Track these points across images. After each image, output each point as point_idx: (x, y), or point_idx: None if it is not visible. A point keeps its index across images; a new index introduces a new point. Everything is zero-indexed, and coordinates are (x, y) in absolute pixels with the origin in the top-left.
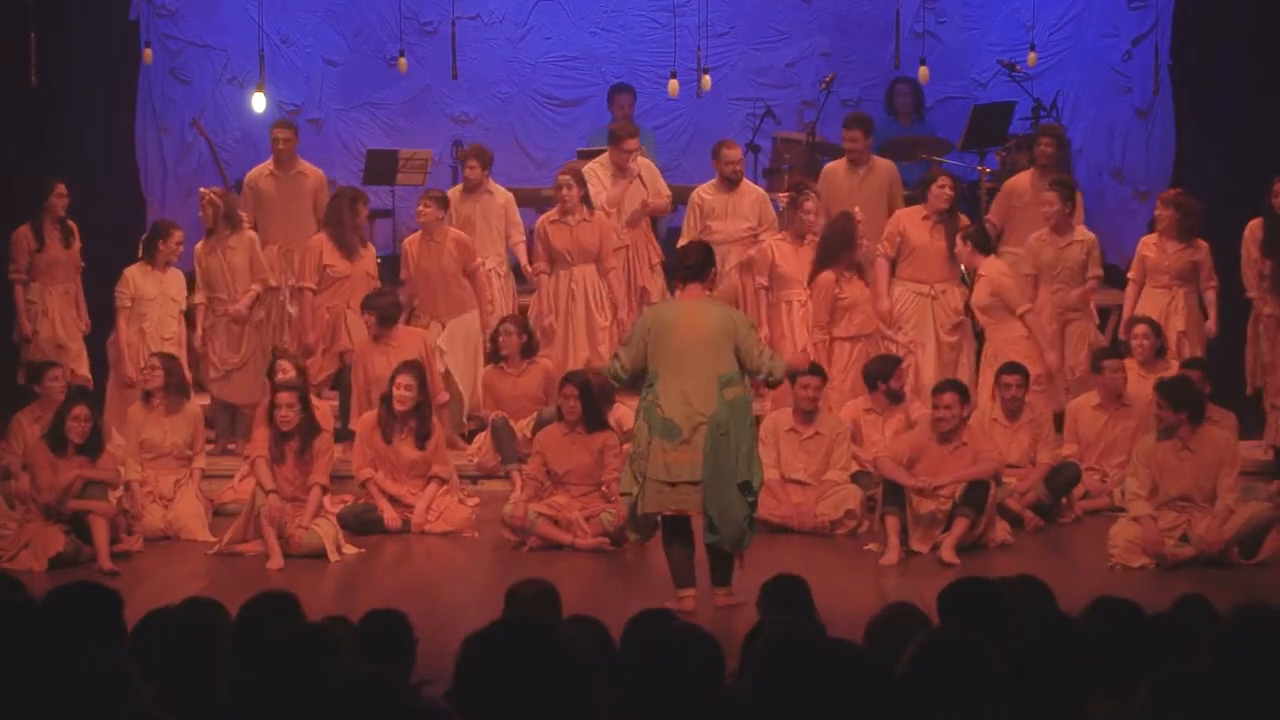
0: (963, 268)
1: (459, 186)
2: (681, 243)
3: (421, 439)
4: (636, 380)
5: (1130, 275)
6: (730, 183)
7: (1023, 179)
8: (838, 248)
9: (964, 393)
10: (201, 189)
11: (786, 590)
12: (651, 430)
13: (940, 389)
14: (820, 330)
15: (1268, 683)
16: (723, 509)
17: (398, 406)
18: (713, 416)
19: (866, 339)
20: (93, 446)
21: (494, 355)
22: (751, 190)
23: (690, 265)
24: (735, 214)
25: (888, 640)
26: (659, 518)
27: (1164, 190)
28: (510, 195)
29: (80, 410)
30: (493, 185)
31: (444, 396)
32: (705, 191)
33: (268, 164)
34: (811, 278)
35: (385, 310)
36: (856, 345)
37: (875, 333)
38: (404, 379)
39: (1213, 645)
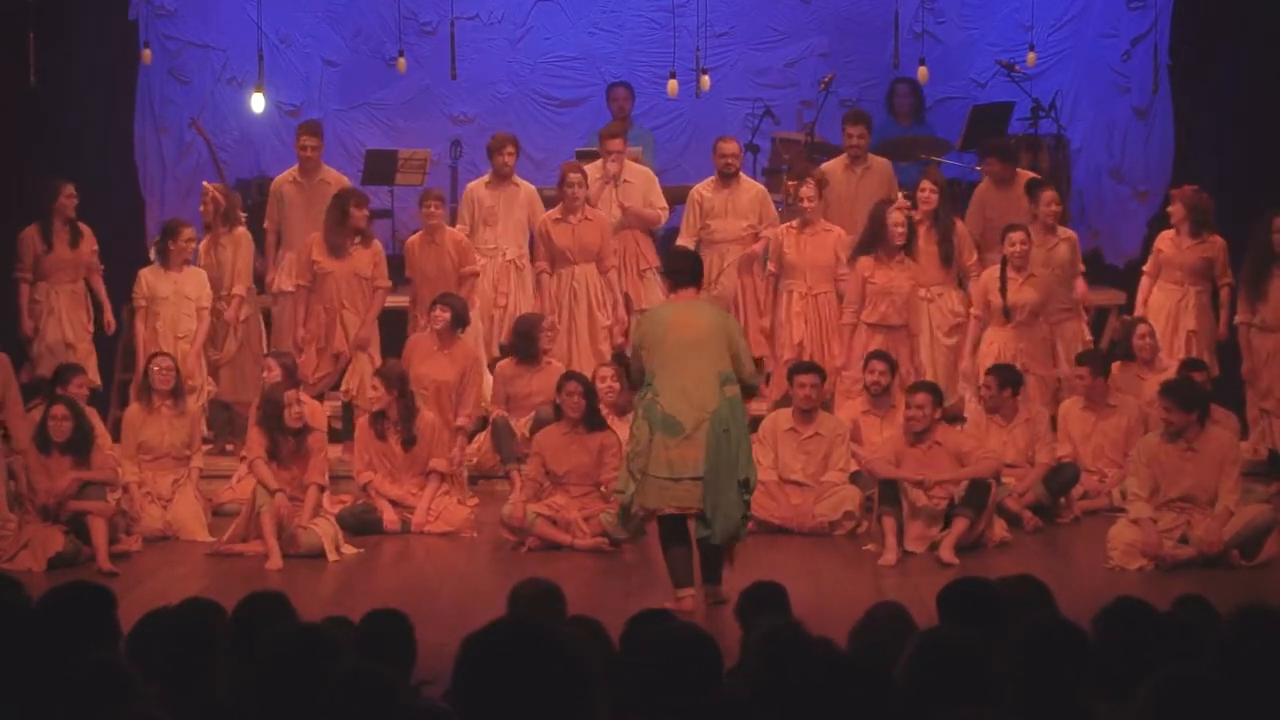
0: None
1: (483, 179)
2: (681, 240)
3: (407, 442)
4: None
5: (1145, 269)
6: (726, 178)
7: (986, 188)
8: (871, 234)
9: (938, 394)
10: (206, 183)
11: (764, 596)
12: (653, 427)
13: (914, 389)
14: (850, 313)
15: (1270, 684)
16: (720, 505)
17: (373, 407)
18: (714, 413)
19: (889, 330)
20: (76, 445)
21: (525, 352)
22: (751, 188)
23: (685, 271)
24: (734, 212)
25: (874, 643)
26: (647, 516)
27: (1164, 189)
28: (533, 188)
29: (59, 410)
30: (517, 177)
31: (469, 419)
32: (704, 189)
33: (292, 170)
34: (851, 261)
35: (460, 310)
36: (877, 334)
37: (901, 325)
38: (373, 380)
39: (1216, 647)
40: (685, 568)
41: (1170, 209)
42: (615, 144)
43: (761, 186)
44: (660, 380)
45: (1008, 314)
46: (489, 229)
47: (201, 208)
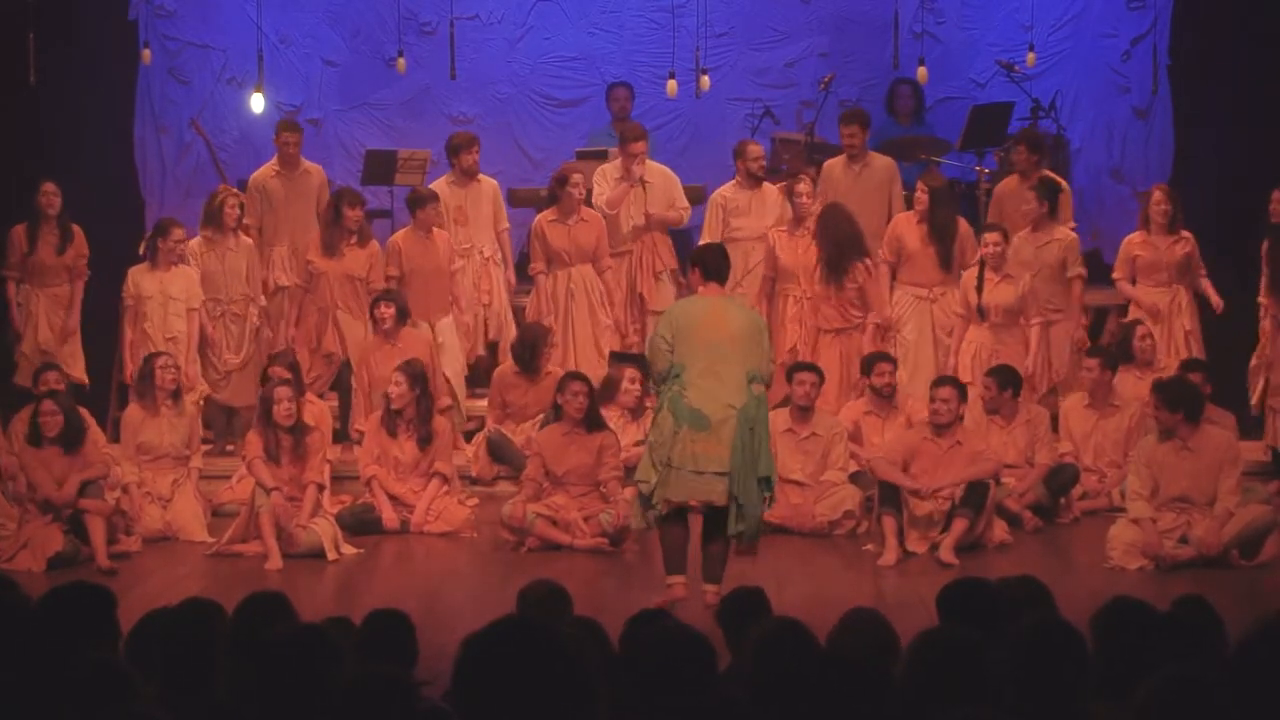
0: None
1: (447, 178)
2: (703, 242)
3: (423, 440)
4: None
5: (1116, 275)
6: (754, 180)
7: (1009, 183)
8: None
9: (962, 389)
10: (224, 185)
11: (746, 602)
12: (678, 420)
13: (939, 383)
14: (811, 317)
15: (1272, 686)
16: (747, 500)
17: (394, 405)
18: (742, 409)
19: (838, 333)
20: (67, 439)
21: (527, 363)
22: (773, 190)
23: (712, 266)
24: (758, 212)
25: (851, 648)
26: (668, 508)
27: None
28: (495, 183)
29: (48, 405)
30: (480, 174)
31: (446, 400)
32: (727, 191)
33: (272, 164)
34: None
35: (403, 305)
36: (831, 339)
37: (848, 328)
38: (396, 375)
39: (1226, 649)
40: (681, 556)
41: (1161, 205)
42: (639, 146)
43: (778, 190)
44: (689, 374)
45: (982, 314)
46: (461, 228)
47: (227, 211)
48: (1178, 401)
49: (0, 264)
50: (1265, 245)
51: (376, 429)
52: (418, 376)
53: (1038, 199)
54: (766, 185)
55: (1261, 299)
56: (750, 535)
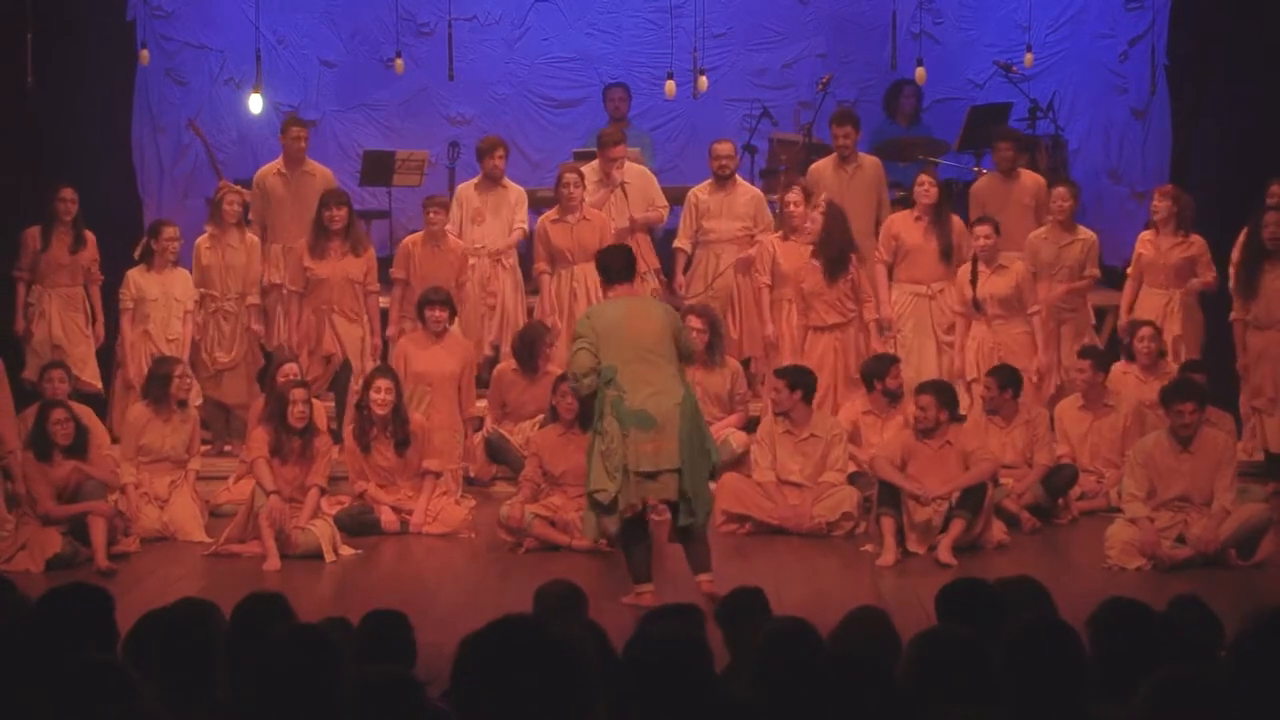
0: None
1: (473, 181)
2: (678, 242)
3: (400, 443)
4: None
5: (1128, 272)
6: (721, 180)
7: (985, 183)
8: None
9: (943, 394)
10: (225, 182)
11: (745, 602)
12: (624, 423)
13: (920, 390)
14: (801, 317)
15: (1269, 681)
16: (696, 489)
17: (377, 411)
18: (682, 402)
19: (831, 329)
20: (78, 447)
21: (526, 362)
22: (747, 190)
23: (619, 268)
24: (729, 213)
25: (853, 647)
26: (632, 512)
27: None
28: (522, 190)
29: (59, 413)
30: (507, 179)
31: (474, 410)
32: (701, 191)
33: (277, 162)
34: None
35: (453, 306)
36: (823, 336)
37: (844, 323)
38: (382, 382)
39: (1224, 648)
40: (646, 563)
41: (1156, 205)
42: (617, 151)
43: (758, 190)
44: (623, 377)
45: (977, 306)
46: (476, 228)
47: (227, 208)
48: (1205, 398)
49: (12, 265)
50: (1242, 236)
51: (352, 449)
52: (399, 383)
53: (1074, 196)
54: (740, 186)
55: (1234, 315)
56: (700, 524)
